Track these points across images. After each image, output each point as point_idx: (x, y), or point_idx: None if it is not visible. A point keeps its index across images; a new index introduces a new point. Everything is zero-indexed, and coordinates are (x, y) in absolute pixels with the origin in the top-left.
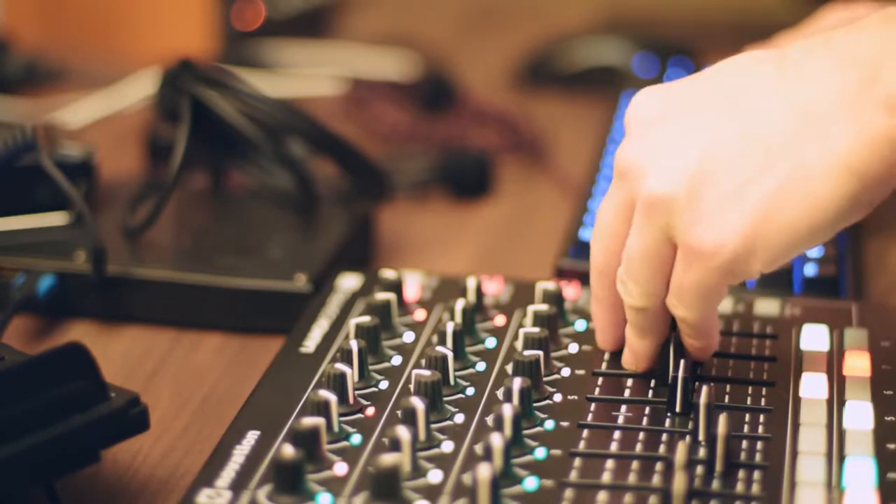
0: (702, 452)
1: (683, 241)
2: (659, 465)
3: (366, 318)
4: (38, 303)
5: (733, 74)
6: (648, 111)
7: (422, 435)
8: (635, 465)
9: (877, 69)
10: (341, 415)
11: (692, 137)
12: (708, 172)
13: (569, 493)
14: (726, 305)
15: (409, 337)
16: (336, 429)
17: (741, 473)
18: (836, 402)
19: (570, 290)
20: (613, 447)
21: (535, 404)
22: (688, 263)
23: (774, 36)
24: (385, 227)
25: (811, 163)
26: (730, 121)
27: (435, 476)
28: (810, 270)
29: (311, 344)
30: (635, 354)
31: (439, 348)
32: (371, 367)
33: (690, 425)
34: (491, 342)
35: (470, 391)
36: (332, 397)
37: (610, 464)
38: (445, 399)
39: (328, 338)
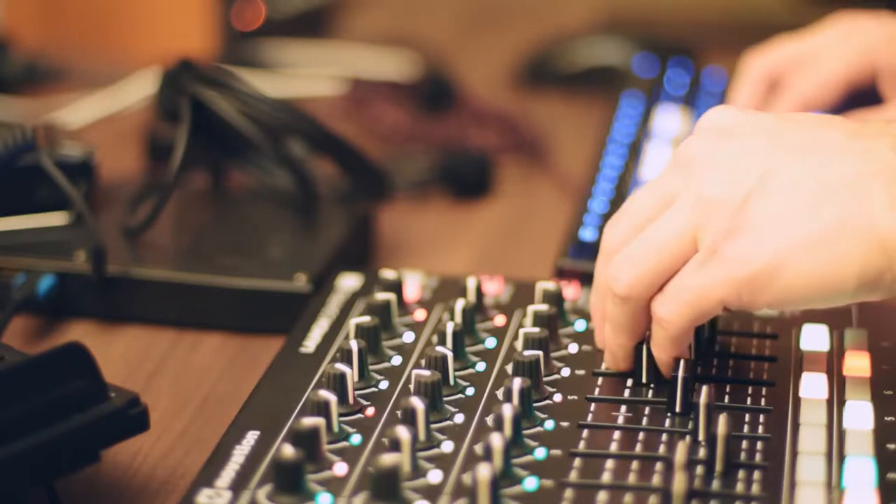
0: (702, 452)
1: (713, 245)
2: (659, 465)
3: (366, 318)
4: (38, 303)
5: (811, 125)
6: (725, 121)
7: (422, 435)
8: (635, 465)
9: None
10: (341, 415)
11: (759, 158)
12: (764, 193)
13: (569, 493)
14: None
15: (409, 337)
16: (336, 429)
17: (741, 473)
18: (836, 402)
19: (570, 290)
20: (613, 447)
21: (535, 404)
22: (703, 266)
23: (774, 37)
24: (385, 227)
25: (851, 222)
26: (796, 157)
27: (435, 476)
28: None
29: (311, 344)
30: (612, 353)
31: (439, 348)
32: (371, 367)
33: (690, 425)
34: (491, 342)
35: (470, 391)
36: (332, 397)
37: (610, 464)
38: (445, 399)
39: (328, 338)
